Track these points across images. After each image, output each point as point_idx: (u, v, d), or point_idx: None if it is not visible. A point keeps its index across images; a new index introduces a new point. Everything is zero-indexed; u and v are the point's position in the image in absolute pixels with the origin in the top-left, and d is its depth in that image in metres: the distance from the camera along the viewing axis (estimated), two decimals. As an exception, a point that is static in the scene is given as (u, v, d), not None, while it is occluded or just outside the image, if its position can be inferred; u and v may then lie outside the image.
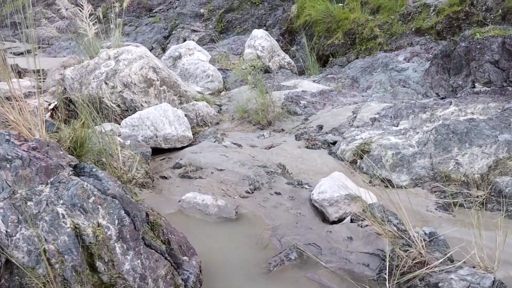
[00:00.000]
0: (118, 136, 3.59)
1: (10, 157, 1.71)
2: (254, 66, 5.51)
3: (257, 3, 8.64)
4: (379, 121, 4.00)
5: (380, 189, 3.08)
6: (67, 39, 9.20)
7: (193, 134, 4.17)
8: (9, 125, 2.00)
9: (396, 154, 3.34)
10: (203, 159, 3.57)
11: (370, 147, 3.49)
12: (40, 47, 10.12)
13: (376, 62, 5.47)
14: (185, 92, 4.72)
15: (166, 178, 3.40)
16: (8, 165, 1.69)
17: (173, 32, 8.70)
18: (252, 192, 3.19)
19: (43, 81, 6.10)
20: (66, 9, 5.57)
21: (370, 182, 3.29)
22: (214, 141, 4.05)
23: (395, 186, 3.08)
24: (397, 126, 3.80)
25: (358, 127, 3.96)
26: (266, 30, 7.25)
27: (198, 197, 2.97)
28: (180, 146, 3.98)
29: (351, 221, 2.74)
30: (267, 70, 5.87)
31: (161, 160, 3.79)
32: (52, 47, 9.46)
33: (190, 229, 2.58)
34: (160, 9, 9.79)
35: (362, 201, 2.79)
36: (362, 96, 4.92)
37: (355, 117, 4.20)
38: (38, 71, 7.30)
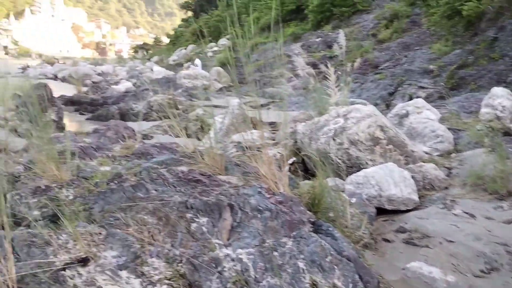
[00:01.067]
0: (342, 192, 3.67)
1: (261, 208, 1.92)
2: (492, 128, 4.98)
3: (496, 58, 7.91)
4: None
5: None
6: (297, 95, 10.08)
7: (418, 198, 3.96)
8: (259, 177, 2.25)
9: None
10: (430, 227, 3.33)
11: None
12: (273, 101, 11.35)
13: None
14: (411, 152, 4.57)
15: (389, 241, 3.29)
16: (259, 215, 1.90)
17: (398, 89, 8.63)
18: (489, 273, 2.80)
19: (276, 134, 6.78)
20: (302, 70, 6.15)
21: None
22: (443, 208, 3.75)
23: None
24: None
25: None
26: (506, 87, 6.53)
27: (425, 268, 2.76)
28: (404, 209, 3.82)
29: None
30: (508, 133, 5.23)
31: (383, 221, 3.69)
32: (283, 102, 10.46)
33: (415, 303, 2.41)
34: (386, 66, 9.89)
35: None
36: None
37: None
38: (272, 123, 8.10)
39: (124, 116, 10.63)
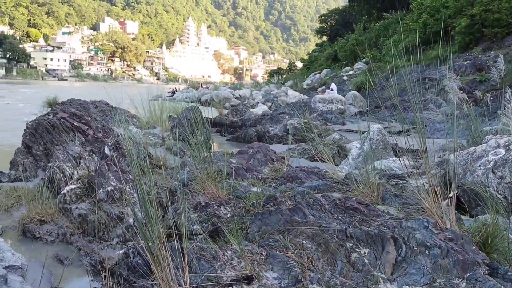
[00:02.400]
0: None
1: (428, 244, 1.80)
2: None
3: None
4: None
5: None
6: (442, 122, 9.41)
7: None
8: (422, 210, 2.12)
9: None
10: None
11: None
12: (414, 127, 10.78)
13: None
14: None
15: None
16: (426, 252, 1.78)
17: None
18: None
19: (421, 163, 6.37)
20: (455, 94, 5.74)
21: None
22: None
23: None
24: None
25: None
26: None
27: None
28: None
29: None
30: None
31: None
32: (426, 128, 9.87)
33: None
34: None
35: None
36: None
37: None
38: (415, 151, 7.67)
39: (261, 138, 11.03)
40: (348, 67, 27.53)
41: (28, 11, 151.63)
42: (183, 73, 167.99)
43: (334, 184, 2.65)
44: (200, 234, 2.68)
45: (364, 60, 24.97)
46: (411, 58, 15.87)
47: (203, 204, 2.89)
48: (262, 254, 1.99)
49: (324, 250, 1.92)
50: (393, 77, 17.13)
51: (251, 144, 6.22)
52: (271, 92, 28.27)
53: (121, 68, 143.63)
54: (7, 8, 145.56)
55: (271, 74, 56.03)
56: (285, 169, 3.67)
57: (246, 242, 2.14)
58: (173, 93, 36.91)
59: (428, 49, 17.43)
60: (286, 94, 23.76)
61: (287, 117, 13.40)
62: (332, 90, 16.97)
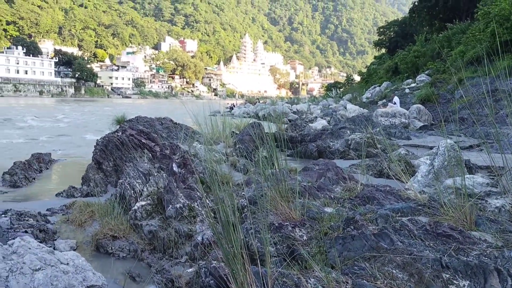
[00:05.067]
0: None
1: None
2: None
3: None
4: None
5: None
6: (519, 136, 8.77)
7: None
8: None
9: None
10: None
11: None
12: (484, 142, 10.15)
13: None
14: None
15: None
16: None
17: None
18: None
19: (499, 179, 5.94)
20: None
21: None
22: None
23: None
24: None
25: None
26: None
27: None
28: None
29: None
30: None
31: None
32: (502, 142, 9.28)
33: None
34: None
35: None
36: None
37: None
38: (491, 167, 7.23)
39: (321, 153, 10.84)
40: (410, 80, 26.66)
41: (95, 33, 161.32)
42: (239, 88, 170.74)
43: (419, 207, 2.49)
44: (274, 257, 2.59)
45: (427, 72, 24.09)
46: (480, 69, 14.99)
47: (277, 225, 2.81)
48: (348, 283, 1.87)
49: (417, 281, 1.77)
50: (460, 89, 16.32)
51: (317, 160, 6.10)
52: (329, 106, 27.92)
53: (181, 85, 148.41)
54: (76, 31, 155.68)
55: (328, 87, 55.44)
56: (358, 188, 3.53)
57: (329, 269, 2.04)
58: (231, 108, 37.50)
59: (497, 59, 16.46)
60: (345, 108, 23.34)
61: (348, 131, 13.11)
62: (395, 103, 16.45)
